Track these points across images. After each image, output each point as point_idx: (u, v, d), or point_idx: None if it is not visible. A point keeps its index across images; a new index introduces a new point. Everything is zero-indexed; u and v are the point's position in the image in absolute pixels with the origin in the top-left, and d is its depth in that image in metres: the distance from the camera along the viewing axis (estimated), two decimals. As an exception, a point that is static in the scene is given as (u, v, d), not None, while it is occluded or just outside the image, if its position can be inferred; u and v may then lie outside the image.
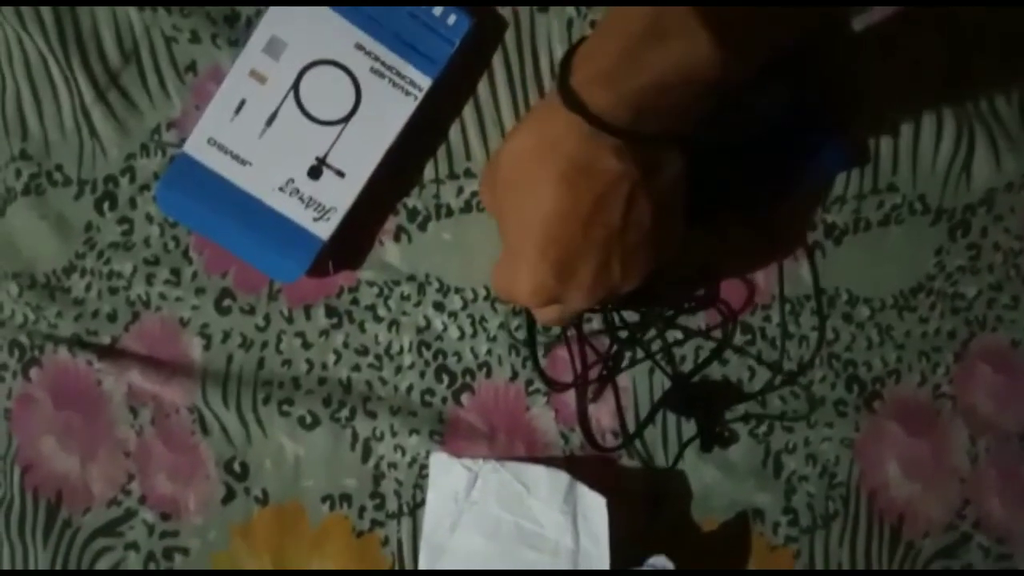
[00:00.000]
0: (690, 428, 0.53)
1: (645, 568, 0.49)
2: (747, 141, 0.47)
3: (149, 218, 0.51)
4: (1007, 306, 0.54)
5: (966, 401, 0.54)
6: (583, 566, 0.49)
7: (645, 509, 0.53)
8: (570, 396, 0.53)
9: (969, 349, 0.54)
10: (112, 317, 0.51)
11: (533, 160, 0.38)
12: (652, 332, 0.52)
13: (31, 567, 0.52)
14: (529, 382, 0.53)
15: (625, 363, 0.53)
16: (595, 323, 0.52)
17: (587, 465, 0.52)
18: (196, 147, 0.48)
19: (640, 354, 0.53)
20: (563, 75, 0.37)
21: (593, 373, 0.52)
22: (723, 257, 0.52)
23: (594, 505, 0.49)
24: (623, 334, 0.52)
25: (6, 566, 0.52)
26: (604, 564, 0.48)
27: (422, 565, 0.50)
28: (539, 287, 0.40)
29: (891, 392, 0.54)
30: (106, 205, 0.50)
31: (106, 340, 0.51)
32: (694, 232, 0.43)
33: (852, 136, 0.52)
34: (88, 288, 0.51)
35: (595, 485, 0.49)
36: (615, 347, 0.52)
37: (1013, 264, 0.54)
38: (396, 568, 0.53)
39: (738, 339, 0.53)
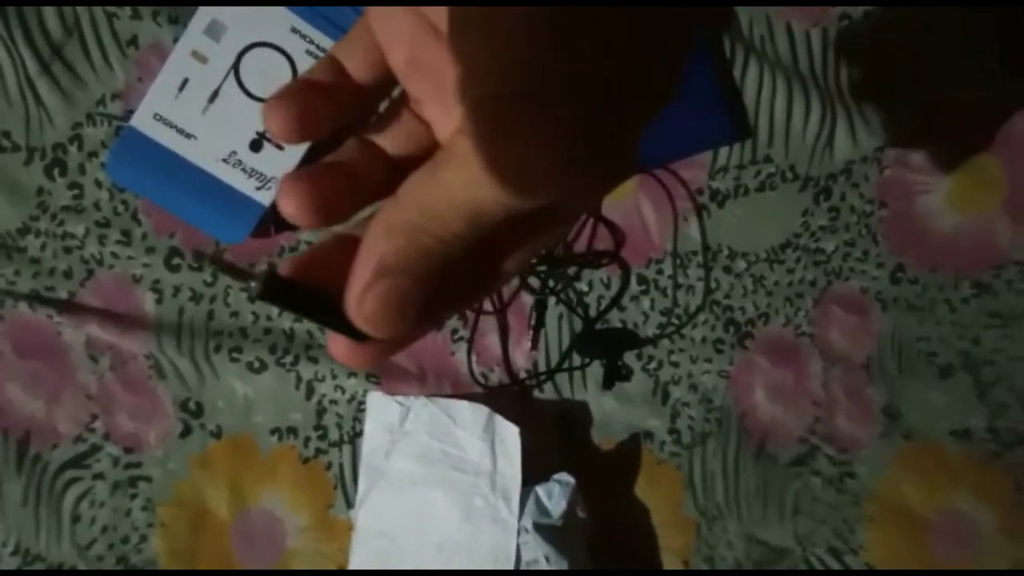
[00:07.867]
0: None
1: (552, 481, 0.59)
2: None
3: (98, 183, 0.54)
4: (858, 259, 0.64)
5: (822, 338, 0.65)
6: (499, 485, 0.58)
7: (554, 434, 0.62)
8: (490, 341, 0.60)
9: (826, 295, 0.64)
10: (68, 274, 0.56)
11: None
12: (560, 285, 0.60)
13: (6, 496, 0.57)
14: (454, 331, 0.60)
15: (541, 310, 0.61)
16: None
17: (504, 399, 0.61)
18: (143, 121, 0.51)
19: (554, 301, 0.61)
20: None
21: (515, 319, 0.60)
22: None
23: (509, 433, 0.58)
24: (535, 282, 0.60)
25: (-15, 498, 0.58)
26: (517, 482, 0.58)
27: (361, 486, 0.59)
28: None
29: (761, 332, 0.64)
30: (56, 171, 0.54)
31: (63, 295, 0.56)
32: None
33: (738, 113, 0.59)
34: (43, 248, 0.55)
35: (511, 415, 0.58)
36: (535, 303, 0.60)
37: (865, 224, 0.63)
38: (338, 488, 0.61)
39: (634, 289, 0.62)
